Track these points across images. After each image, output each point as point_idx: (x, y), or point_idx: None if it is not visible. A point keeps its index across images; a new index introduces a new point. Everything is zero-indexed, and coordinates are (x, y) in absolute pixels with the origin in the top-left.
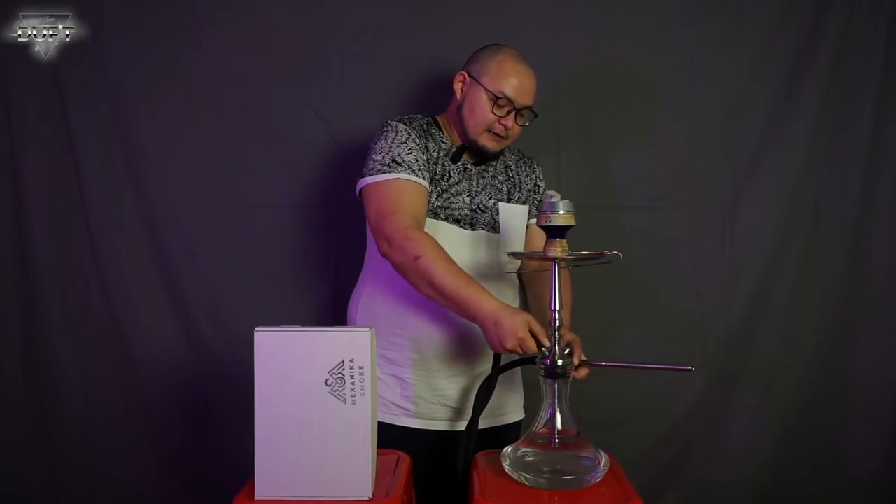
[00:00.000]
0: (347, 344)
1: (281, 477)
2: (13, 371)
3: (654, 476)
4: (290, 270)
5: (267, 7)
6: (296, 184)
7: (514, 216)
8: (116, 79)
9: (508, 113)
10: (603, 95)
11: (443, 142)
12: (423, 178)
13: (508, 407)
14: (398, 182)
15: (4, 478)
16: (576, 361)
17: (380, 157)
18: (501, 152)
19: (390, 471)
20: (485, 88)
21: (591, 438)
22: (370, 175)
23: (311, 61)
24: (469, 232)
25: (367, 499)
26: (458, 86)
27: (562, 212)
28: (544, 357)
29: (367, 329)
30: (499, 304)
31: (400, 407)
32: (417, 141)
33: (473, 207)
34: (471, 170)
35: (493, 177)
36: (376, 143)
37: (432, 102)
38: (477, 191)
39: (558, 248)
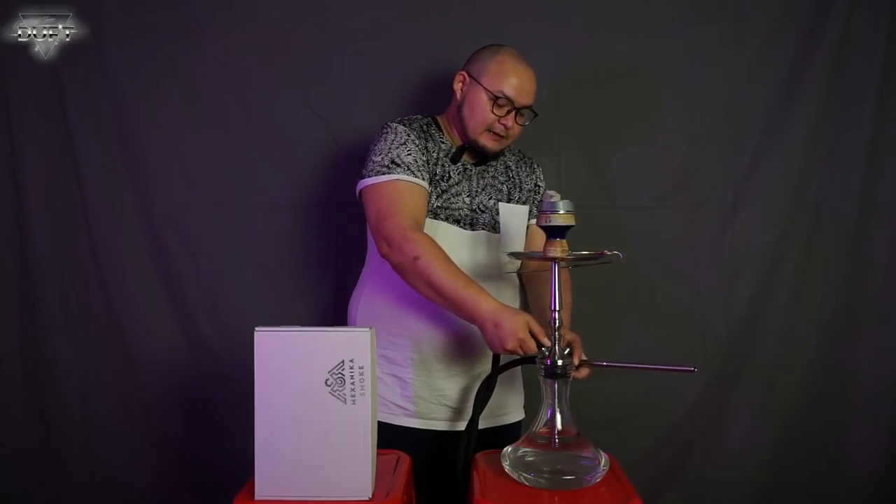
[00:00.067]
0: (347, 344)
1: (281, 477)
2: (13, 371)
3: (654, 476)
4: (291, 270)
5: (267, 7)
6: (296, 184)
7: (514, 216)
8: (116, 79)
9: (508, 112)
10: (603, 95)
11: (442, 142)
12: (423, 180)
13: (508, 407)
14: (398, 183)
15: (4, 478)
16: (576, 361)
17: (379, 158)
18: (502, 152)
19: (390, 471)
20: (484, 88)
21: (591, 438)
22: (370, 176)
23: (311, 61)
24: (469, 232)
25: (367, 499)
26: (457, 86)
27: (562, 212)
28: (544, 357)
29: (367, 329)
30: (498, 305)
31: (400, 407)
32: (417, 142)
33: (473, 208)
34: (471, 170)
35: (493, 177)
36: (376, 145)
37: (432, 102)
38: (477, 191)
39: (558, 248)
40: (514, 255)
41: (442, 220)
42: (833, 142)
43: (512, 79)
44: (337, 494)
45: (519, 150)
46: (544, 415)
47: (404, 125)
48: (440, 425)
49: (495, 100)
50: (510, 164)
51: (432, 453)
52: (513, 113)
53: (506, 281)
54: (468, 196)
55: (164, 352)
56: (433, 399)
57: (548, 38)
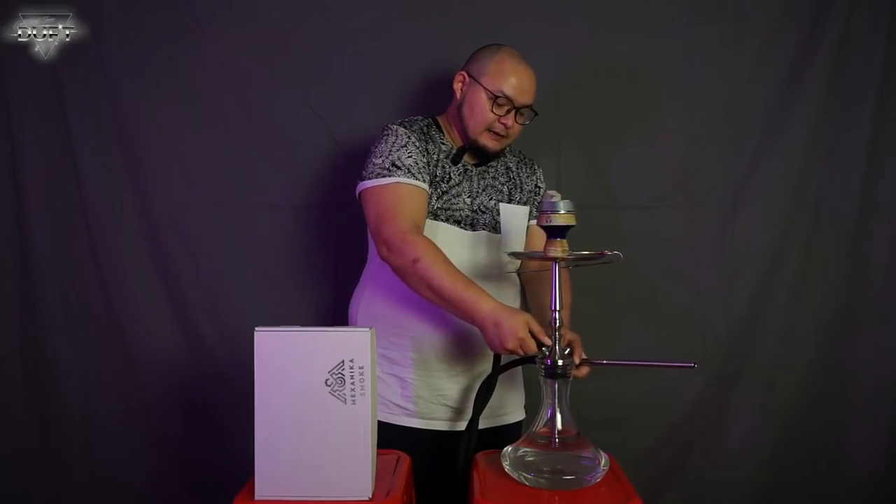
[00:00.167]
0: (347, 344)
1: (281, 477)
2: (13, 371)
3: (654, 476)
4: (291, 271)
5: (267, 7)
6: (296, 184)
7: (514, 217)
8: (116, 79)
9: (508, 112)
10: (603, 95)
11: (443, 143)
12: (423, 182)
13: (509, 407)
14: (398, 186)
15: (4, 478)
16: (577, 360)
17: (379, 160)
18: (502, 153)
19: (390, 471)
20: (484, 88)
21: (592, 438)
22: (370, 179)
23: (310, 61)
24: (469, 233)
25: (367, 499)
26: (457, 86)
27: (562, 212)
28: (544, 357)
29: (367, 329)
30: (498, 305)
31: (400, 407)
32: (417, 144)
33: (474, 208)
34: (471, 171)
35: (493, 178)
36: (376, 147)
37: (432, 103)
38: (478, 192)
39: (558, 248)
40: (515, 254)
41: (442, 220)
42: (833, 142)
43: (511, 78)
44: (337, 494)
45: (519, 151)
46: (544, 415)
47: (405, 127)
48: (440, 425)
49: (495, 99)
50: (511, 164)
51: (432, 453)
52: (513, 112)
53: (506, 281)
54: (469, 197)
55: (164, 352)
56: (433, 399)
57: (548, 38)
